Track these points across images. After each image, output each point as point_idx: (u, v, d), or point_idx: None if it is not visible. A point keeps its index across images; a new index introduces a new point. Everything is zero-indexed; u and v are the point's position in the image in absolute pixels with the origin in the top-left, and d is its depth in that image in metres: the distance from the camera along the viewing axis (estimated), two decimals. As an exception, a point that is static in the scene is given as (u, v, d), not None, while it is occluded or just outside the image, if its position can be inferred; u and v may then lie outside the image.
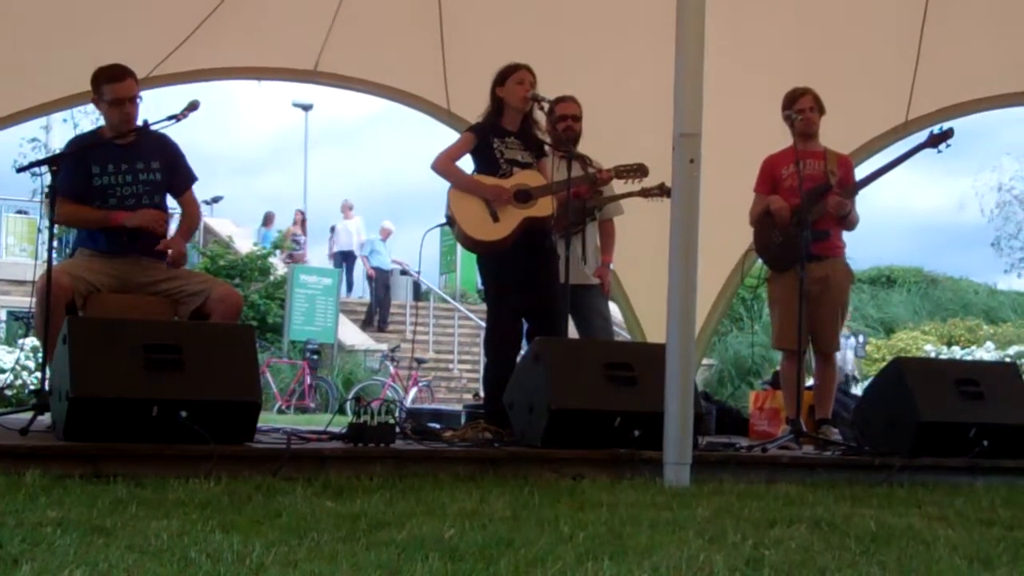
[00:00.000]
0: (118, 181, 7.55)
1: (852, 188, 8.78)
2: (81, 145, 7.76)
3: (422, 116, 12.15)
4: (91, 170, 7.51)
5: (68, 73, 9.95)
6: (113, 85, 7.53)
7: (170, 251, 7.55)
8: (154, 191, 7.68)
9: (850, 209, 8.72)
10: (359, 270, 30.37)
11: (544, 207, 8.13)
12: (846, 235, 8.95)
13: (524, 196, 8.08)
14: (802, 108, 8.69)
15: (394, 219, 34.70)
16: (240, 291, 13.82)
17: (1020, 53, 10.85)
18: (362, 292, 30.75)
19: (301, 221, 31.69)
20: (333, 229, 31.06)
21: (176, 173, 7.84)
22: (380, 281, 28.55)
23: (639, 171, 8.67)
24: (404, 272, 29.46)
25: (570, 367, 7.18)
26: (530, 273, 8.14)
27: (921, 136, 8.81)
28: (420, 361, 23.55)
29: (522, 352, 8.10)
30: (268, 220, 31.63)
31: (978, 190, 45.88)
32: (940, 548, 4.22)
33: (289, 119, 72.18)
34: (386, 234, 29.31)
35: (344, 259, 30.34)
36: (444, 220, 8.35)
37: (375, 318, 28.27)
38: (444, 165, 8.19)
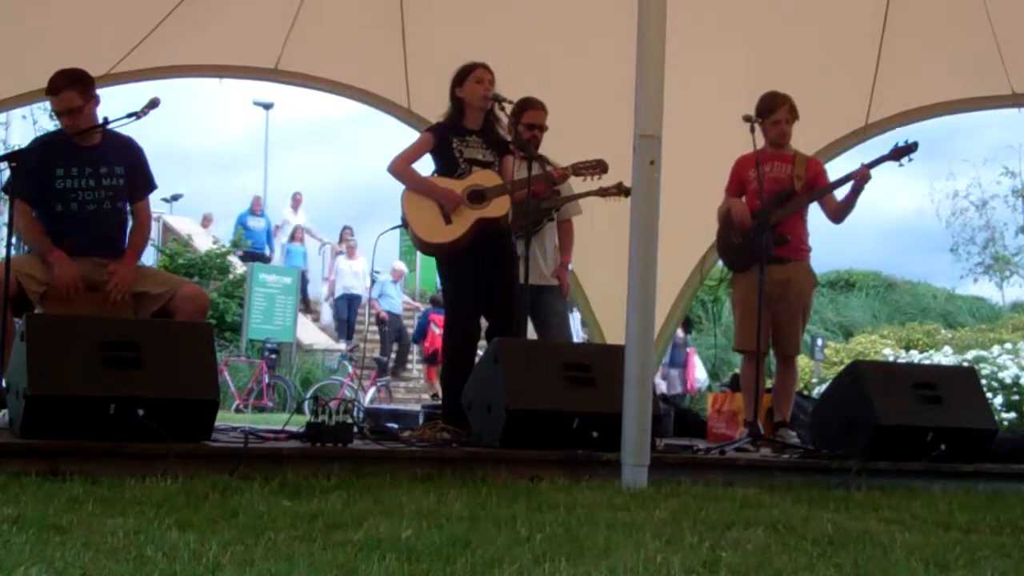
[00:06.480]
0: (81, 185, 7.45)
1: (818, 192, 8.77)
2: (45, 144, 7.62)
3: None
4: (55, 172, 7.41)
5: (28, 70, 9.89)
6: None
7: (113, 279, 7.36)
8: (116, 196, 7.58)
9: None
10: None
11: (499, 207, 8.09)
12: (812, 238, 8.96)
13: (478, 196, 8.05)
14: (778, 120, 8.69)
15: (361, 219, 33.64)
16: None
17: (978, 58, 10.91)
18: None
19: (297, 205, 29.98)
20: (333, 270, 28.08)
21: (137, 179, 7.72)
22: (392, 326, 25.89)
23: (597, 167, 8.52)
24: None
25: (529, 368, 7.17)
26: (488, 273, 8.11)
27: (883, 141, 8.83)
28: (380, 362, 23.47)
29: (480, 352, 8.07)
30: (255, 205, 30.14)
31: (935, 196, 46.26)
32: (897, 551, 4.24)
33: (261, 117, 71.61)
34: (399, 276, 27.05)
35: (349, 304, 26.63)
36: (400, 223, 8.31)
37: (388, 365, 24.64)
38: (399, 167, 8.17)
